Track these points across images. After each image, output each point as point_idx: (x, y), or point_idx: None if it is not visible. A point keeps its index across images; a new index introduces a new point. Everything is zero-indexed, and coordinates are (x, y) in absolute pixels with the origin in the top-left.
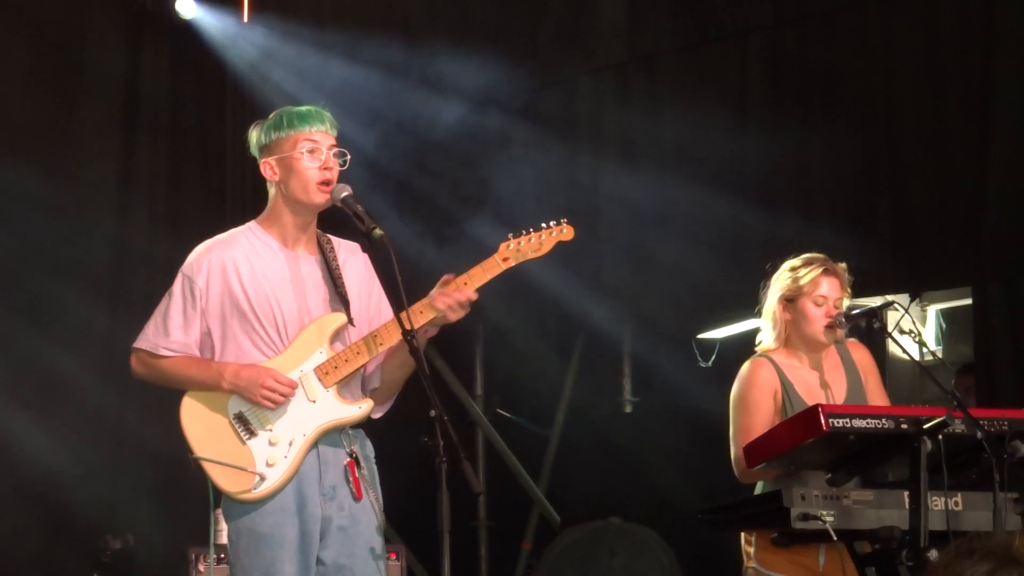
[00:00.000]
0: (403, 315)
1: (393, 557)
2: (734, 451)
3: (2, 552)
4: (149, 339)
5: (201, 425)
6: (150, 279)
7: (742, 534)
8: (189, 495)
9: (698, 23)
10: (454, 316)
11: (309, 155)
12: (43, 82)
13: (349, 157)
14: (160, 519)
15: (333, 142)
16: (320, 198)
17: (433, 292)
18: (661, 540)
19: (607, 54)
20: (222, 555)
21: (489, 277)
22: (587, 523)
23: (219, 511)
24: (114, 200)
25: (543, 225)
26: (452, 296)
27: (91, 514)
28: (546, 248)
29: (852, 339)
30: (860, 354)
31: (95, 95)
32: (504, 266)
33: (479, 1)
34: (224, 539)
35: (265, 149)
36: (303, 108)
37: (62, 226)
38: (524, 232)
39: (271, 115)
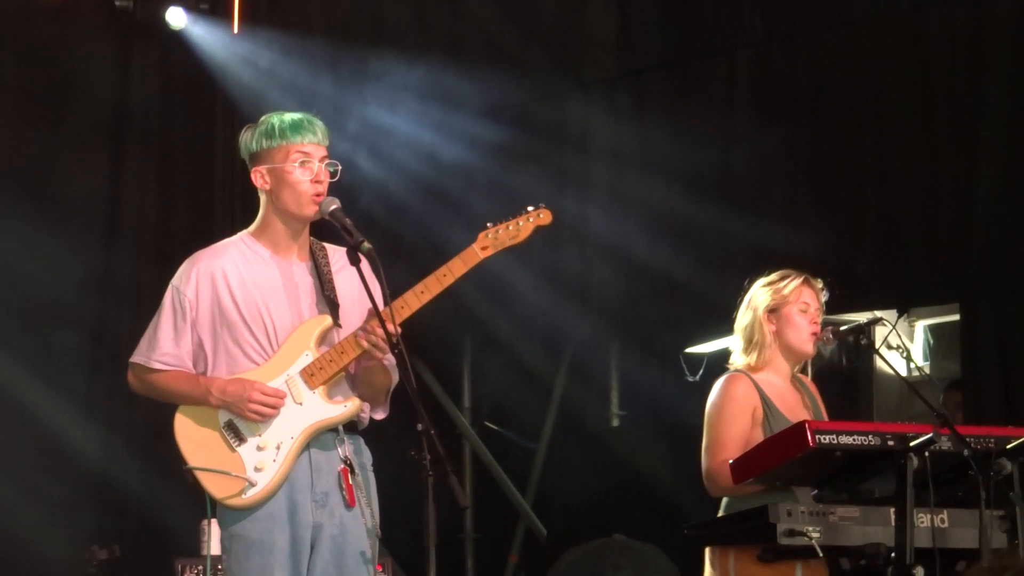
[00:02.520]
0: (390, 328)
1: (380, 570)
2: (706, 463)
3: None
4: (142, 353)
5: (194, 437)
6: (139, 291)
7: (708, 549)
8: (176, 506)
9: (687, 39)
10: (380, 354)
11: (301, 168)
12: (31, 92)
13: (340, 168)
14: (147, 530)
15: (325, 153)
16: (311, 210)
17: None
18: (665, 556)
19: (596, 69)
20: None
21: (468, 267)
22: (591, 540)
23: (213, 520)
24: (103, 211)
25: (520, 211)
26: (377, 332)
27: (77, 525)
28: (524, 234)
29: (802, 374)
30: (812, 386)
31: (84, 105)
32: (483, 255)
33: (470, 16)
34: (215, 549)
35: (256, 157)
36: (295, 117)
37: (50, 237)
38: (502, 219)
39: (262, 120)
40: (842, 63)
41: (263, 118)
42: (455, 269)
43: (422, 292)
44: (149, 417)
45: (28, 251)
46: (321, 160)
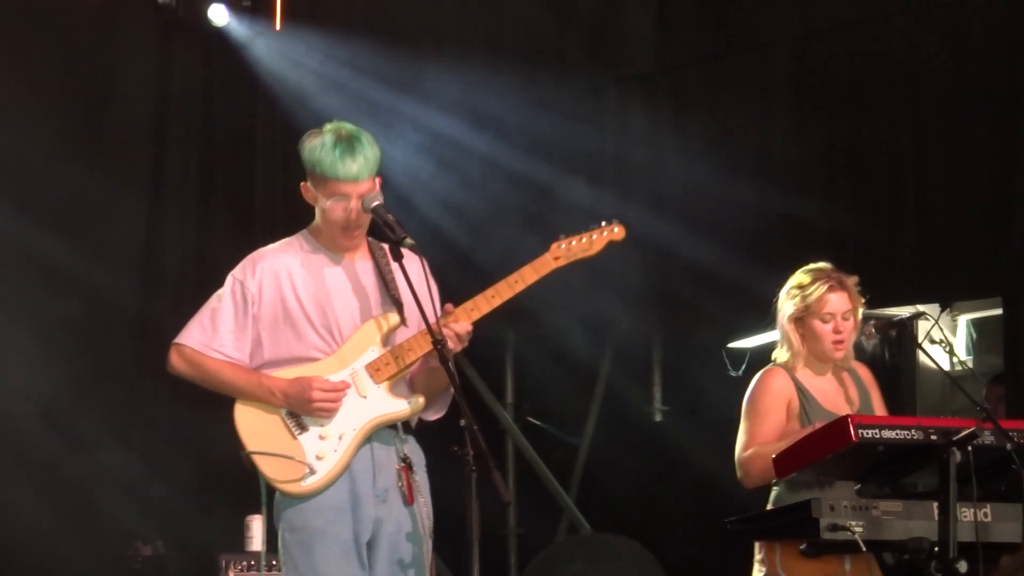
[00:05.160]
0: (432, 324)
1: None
2: (739, 454)
3: (32, 559)
4: (196, 337)
5: (254, 424)
6: (181, 287)
7: (757, 543)
8: (220, 502)
9: (725, 34)
10: (454, 348)
11: (335, 203)
12: (75, 90)
13: (380, 203)
14: (191, 526)
15: (366, 188)
16: (344, 243)
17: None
18: (635, 547)
19: (634, 64)
20: (252, 562)
21: (540, 276)
22: (560, 541)
23: (256, 518)
24: (145, 208)
25: (593, 225)
26: (451, 328)
27: (122, 521)
28: (596, 248)
29: (856, 360)
30: (864, 372)
31: (126, 102)
32: (555, 264)
33: (508, 11)
34: (255, 546)
35: (307, 172)
36: (342, 150)
37: (92, 235)
38: (575, 232)
39: (320, 133)
40: (880, 57)
41: (324, 131)
42: (527, 276)
43: (492, 297)
44: (195, 408)
45: (70, 249)
46: (360, 196)
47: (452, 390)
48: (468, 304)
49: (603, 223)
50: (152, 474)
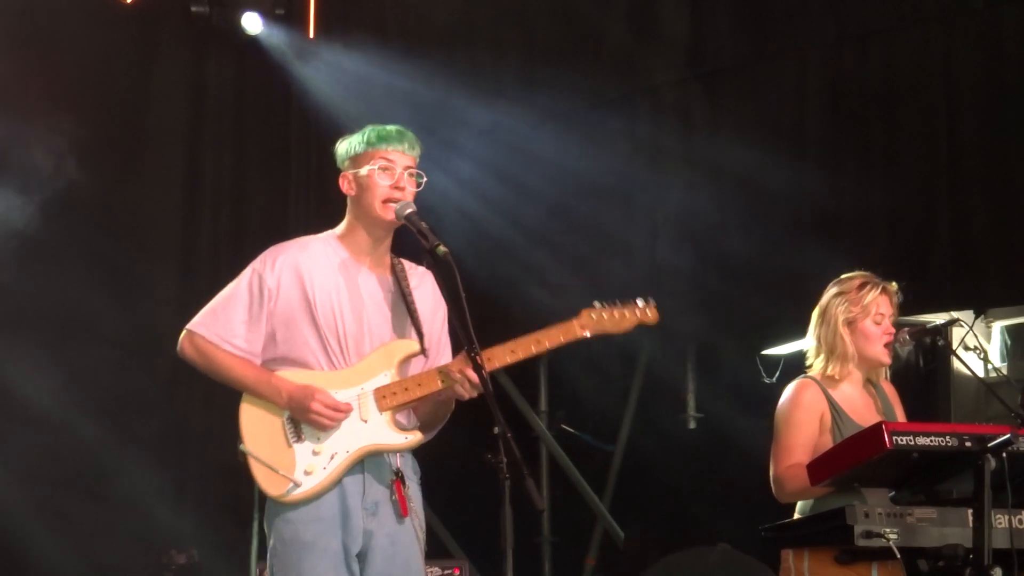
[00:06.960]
0: (480, 368)
1: (457, 573)
2: (773, 468)
3: (67, 566)
4: (210, 327)
5: (256, 423)
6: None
7: (784, 551)
8: (253, 509)
9: (759, 40)
10: (465, 393)
11: (381, 172)
12: (110, 97)
13: (426, 179)
14: (225, 533)
15: (410, 163)
16: (388, 215)
17: (453, 361)
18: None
19: (667, 72)
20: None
21: (565, 342)
22: (692, 548)
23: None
24: (179, 215)
25: (629, 301)
26: (466, 374)
27: (156, 528)
28: (626, 326)
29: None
30: (889, 388)
31: (161, 110)
32: (581, 334)
33: (541, 18)
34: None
35: (347, 163)
36: (387, 128)
37: (128, 241)
38: (609, 304)
39: (361, 130)
40: (914, 63)
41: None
42: (551, 339)
43: (513, 351)
44: (228, 414)
45: (102, 260)
46: (405, 168)
47: (446, 420)
48: (486, 352)
49: (638, 301)
50: (186, 481)
